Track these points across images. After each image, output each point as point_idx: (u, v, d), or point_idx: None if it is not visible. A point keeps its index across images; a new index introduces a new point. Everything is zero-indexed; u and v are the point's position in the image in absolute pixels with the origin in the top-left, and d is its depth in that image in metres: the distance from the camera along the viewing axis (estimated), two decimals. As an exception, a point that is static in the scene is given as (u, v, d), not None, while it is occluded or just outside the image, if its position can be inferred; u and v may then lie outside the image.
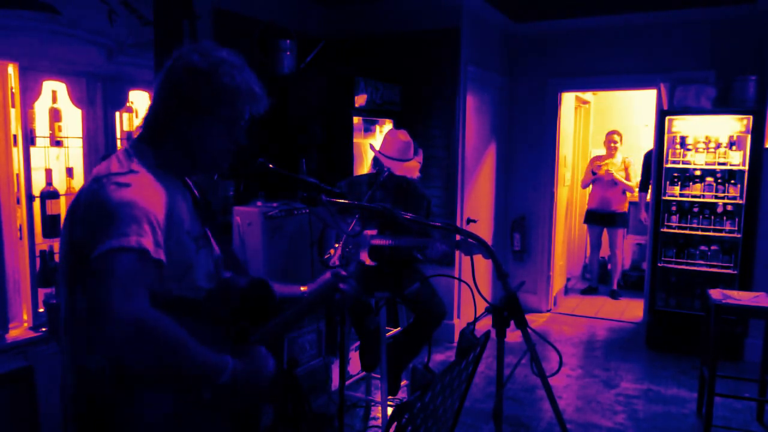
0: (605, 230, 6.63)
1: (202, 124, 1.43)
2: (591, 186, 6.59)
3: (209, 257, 1.50)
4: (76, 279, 1.33)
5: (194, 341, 1.24)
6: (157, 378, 1.26)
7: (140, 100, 3.32)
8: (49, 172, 2.92)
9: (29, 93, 2.79)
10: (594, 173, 6.45)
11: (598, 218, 6.56)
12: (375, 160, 3.45)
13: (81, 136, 3.09)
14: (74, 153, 3.09)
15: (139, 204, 1.26)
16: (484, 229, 5.63)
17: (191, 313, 1.39)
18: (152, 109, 1.46)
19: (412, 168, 3.34)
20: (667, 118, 4.94)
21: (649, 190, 5.43)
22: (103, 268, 1.18)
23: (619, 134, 6.50)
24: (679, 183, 4.97)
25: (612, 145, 6.44)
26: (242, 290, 1.48)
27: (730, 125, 4.83)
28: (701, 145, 4.91)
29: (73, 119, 3.06)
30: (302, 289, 1.78)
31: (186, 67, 1.41)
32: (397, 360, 3.42)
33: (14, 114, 2.75)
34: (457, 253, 4.89)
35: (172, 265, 1.33)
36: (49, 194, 2.88)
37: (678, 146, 4.97)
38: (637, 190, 6.54)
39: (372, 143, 3.57)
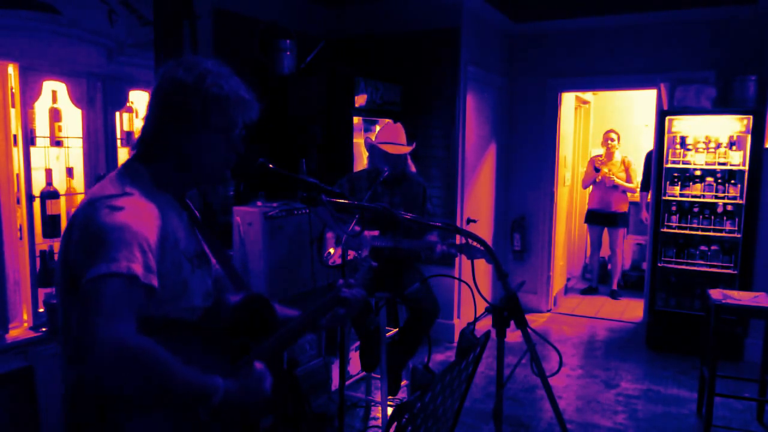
0: (605, 230, 6.63)
1: (197, 137, 1.42)
2: (592, 186, 6.59)
3: (206, 276, 1.49)
4: (69, 300, 1.33)
5: (182, 366, 1.22)
6: (145, 402, 1.25)
7: (140, 100, 3.32)
8: (49, 172, 2.92)
9: (29, 93, 2.79)
10: (597, 169, 6.44)
11: (599, 218, 6.56)
12: (369, 155, 3.47)
13: (81, 136, 3.09)
14: (74, 153, 3.09)
15: (131, 228, 1.26)
16: (484, 229, 5.63)
17: (188, 335, 1.39)
18: (145, 128, 1.46)
19: (404, 150, 3.36)
20: (667, 118, 4.94)
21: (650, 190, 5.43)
22: (91, 293, 1.18)
23: (616, 133, 6.50)
24: (679, 183, 4.97)
25: (610, 143, 6.44)
26: (239, 305, 1.47)
27: (730, 125, 4.83)
28: (701, 145, 4.91)
29: (73, 119, 3.06)
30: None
31: (172, 83, 1.40)
32: (395, 359, 3.42)
33: (14, 114, 2.74)
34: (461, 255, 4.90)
35: (168, 286, 1.33)
36: (49, 194, 2.88)
37: (678, 146, 4.97)
38: (638, 190, 6.54)
39: (368, 136, 3.61)
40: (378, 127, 4.82)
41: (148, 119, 1.45)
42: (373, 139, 3.52)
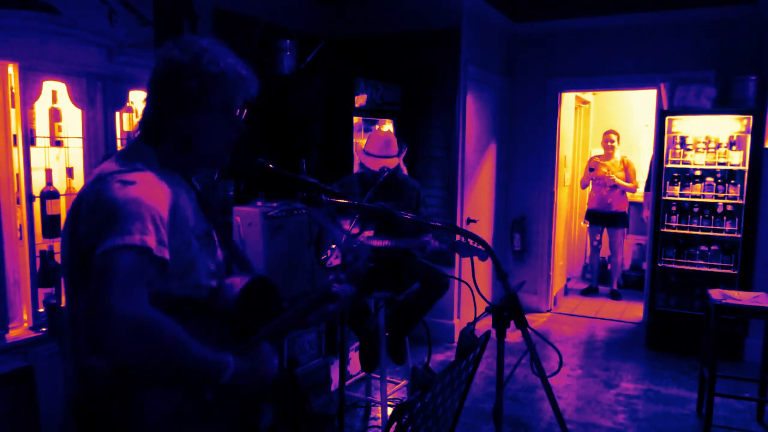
0: (605, 230, 6.63)
1: (196, 118, 1.42)
2: (592, 186, 6.59)
3: (211, 256, 1.50)
4: (79, 278, 1.32)
5: (194, 341, 1.23)
6: (158, 377, 1.26)
7: (140, 100, 3.31)
8: (49, 172, 2.91)
9: (29, 93, 2.79)
10: (591, 169, 6.44)
11: (598, 218, 6.56)
12: (360, 161, 3.47)
13: (81, 136, 3.09)
14: (74, 153, 3.09)
15: (143, 201, 1.26)
16: (484, 229, 5.63)
17: (194, 312, 1.39)
18: (146, 111, 1.46)
19: (390, 163, 3.36)
20: (667, 118, 4.94)
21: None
22: (105, 266, 1.18)
23: (616, 134, 6.49)
24: (679, 183, 4.97)
25: (609, 144, 6.44)
26: (245, 288, 1.47)
27: (730, 125, 4.83)
28: (701, 145, 4.91)
29: (73, 119, 3.06)
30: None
31: (170, 63, 1.40)
32: (399, 325, 3.38)
33: (14, 114, 2.74)
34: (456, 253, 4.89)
35: (176, 262, 1.33)
36: (49, 194, 2.88)
37: (678, 146, 4.97)
38: (638, 190, 6.53)
39: (358, 142, 3.60)
40: (377, 127, 4.83)
41: (148, 101, 1.45)
42: (363, 144, 3.52)
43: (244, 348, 1.39)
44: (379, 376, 3.33)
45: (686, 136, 4.95)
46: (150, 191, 1.30)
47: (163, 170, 1.41)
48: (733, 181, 4.80)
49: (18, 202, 2.81)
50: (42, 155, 2.92)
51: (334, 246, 3.24)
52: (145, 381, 1.26)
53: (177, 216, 1.36)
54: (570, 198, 6.97)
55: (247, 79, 1.46)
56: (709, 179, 4.88)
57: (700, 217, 4.89)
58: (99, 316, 1.14)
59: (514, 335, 2.10)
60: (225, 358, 1.28)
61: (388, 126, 4.79)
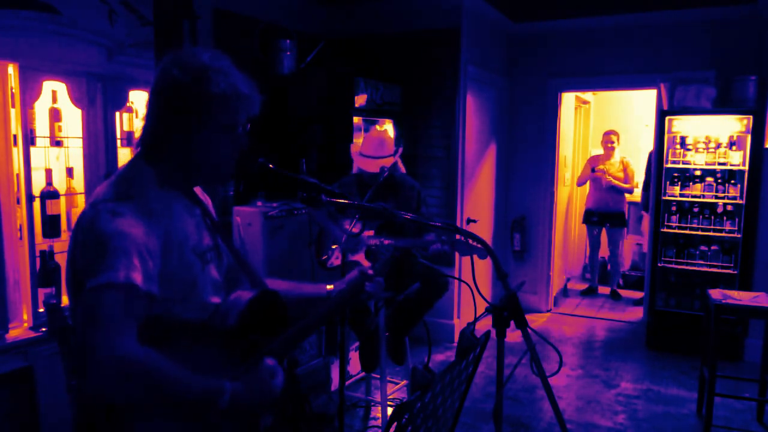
0: (605, 230, 6.63)
1: (198, 138, 1.39)
2: (590, 186, 6.59)
3: (217, 269, 1.48)
4: (77, 301, 1.32)
5: (186, 372, 1.21)
6: (151, 408, 1.24)
7: (140, 100, 3.32)
8: (49, 172, 2.92)
9: (29, 93, 2.79)
10: (593, 170, 6.43)
11: (597, 218, 6.56)
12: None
13: (81, 136, 3.09)
14: (74, 153, 3.09)
15: (131, 235, 1.25)
16: (484, 229, 5.63)
17: (195, 336, 1.38)
18: (146, 128, 1.43)
19: (387, 162, 3.35)
20: (667, 118, 4.94)
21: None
22: (91, 305, 1.18)
23: (616, 134, 6.49)
24: (679, 183, 4.97)
25: (609, 145, 6.43)
26: (248, 304, 1.45)
27: (730, 125, 4.83)
28: (701, 145, 4.91)
29: (73, 119, 3.06)
30: (328, 288, 1.74)
31: (169, 83, 1.37)
32: (399, 325, 3.38)
33: (14, 114, 2.74)
34: (456, 252, 4.90)
35: (176, 285, 1.33)
36: (49, 194, 2.88)
37: (678, 146, 4.97)
38: (638, 189, 6.53)
39: (357, 142, 3.60)
40: (378, 127, 4.82)
41: (148, 120, 1.42)
42: (359, 147, 3.52)
43: (246, 367, 1.37)
44: (379, 376, 3.33)
45: (686, 136, 4.95)
46: (139, 222, 1.28)
47: (162, 189, 1.39)
48: (733, 181, 4.80)
49: (18, 202, 2.81)
50: (42, 155, 2.92)
51: (334, 246, 3.24)
52: (138, 412, 1.25)
53: (173, 241, 1.35)
54: (570, 198, 6.97)
55: (249, 98, 1.42)
56: (709, 179, 4.88)
57: (700, 217, 4.89)
58: (84, 357, 1.14)
59: (514, 335, 2.10)
60: (220, 385, 1.26)
61: (386, 126, 4.79)
